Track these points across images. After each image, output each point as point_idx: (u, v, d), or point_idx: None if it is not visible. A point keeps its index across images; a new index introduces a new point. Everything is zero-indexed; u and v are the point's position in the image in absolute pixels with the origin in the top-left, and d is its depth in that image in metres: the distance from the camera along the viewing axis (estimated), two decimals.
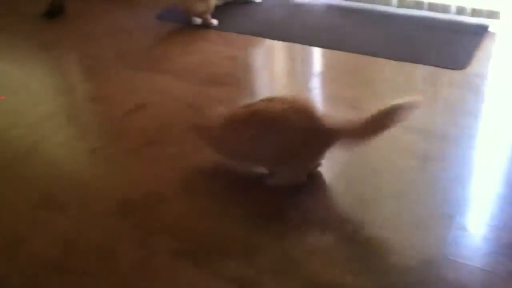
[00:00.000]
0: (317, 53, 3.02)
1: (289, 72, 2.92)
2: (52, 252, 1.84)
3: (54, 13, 3.52)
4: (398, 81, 2.68)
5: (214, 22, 3.29)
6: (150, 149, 2.32)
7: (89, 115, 2.59)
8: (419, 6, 3.34)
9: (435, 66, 2.74)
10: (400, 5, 3.40)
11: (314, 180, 2.03)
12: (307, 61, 3.00)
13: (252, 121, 1.92)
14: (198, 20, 3.33)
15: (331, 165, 2.08)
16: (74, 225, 1.95)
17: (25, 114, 2.61)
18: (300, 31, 3.22)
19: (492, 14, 3.14)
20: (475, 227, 1.78)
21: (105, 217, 1.97)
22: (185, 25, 3.35)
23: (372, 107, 1.82)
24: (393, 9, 3.42)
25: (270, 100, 1.94)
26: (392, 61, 2.83)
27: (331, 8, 3.56)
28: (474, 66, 2.73)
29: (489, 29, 3.10)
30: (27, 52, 3.15)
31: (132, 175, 2.17)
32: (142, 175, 2.17)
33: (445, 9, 3.27)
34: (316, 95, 2.65)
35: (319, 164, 2.07)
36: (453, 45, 2.94)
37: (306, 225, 1.82)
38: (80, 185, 2.14)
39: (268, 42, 3.14)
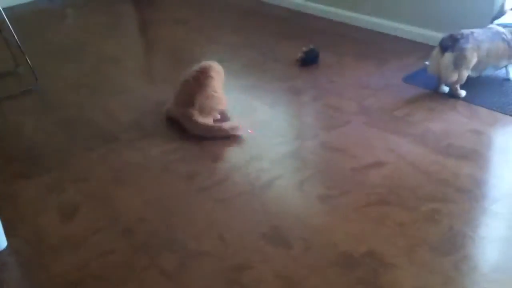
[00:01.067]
0: None
1: None
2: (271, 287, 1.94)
3: (308, 61, 3.76)
4: None
5: (462, 93, 3.19)
6: (378, 208, 2.32)
7: (324, 163, 2.69)
8: None
9: None
10: None
11: None
12: None
13: None
14: (446, 89, 3.25)
15: None
16: (297, 266, 2.03)
17: (268, 150, 2.81)
18: None
19: None
20: None
21: (326, 266, 2.01)
22: (431, 91, 3.30)
23: None
24: None
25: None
26: None
27: None
28: None
29: None
30: (278, 94, 3.41)
31: (356, 231, 2.20)
32: (365, 232, 2.19)
33: None
34: None
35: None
36: None
37: None
38: (306, 229, 2.23)
39: None
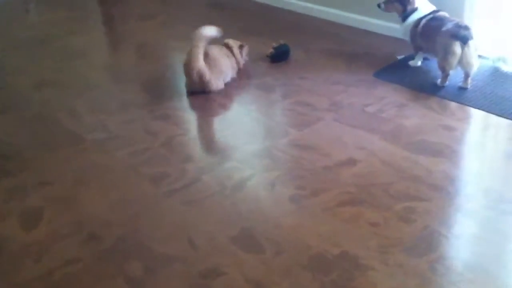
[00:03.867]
0: None
1: (510, 155, 2.66)
2: None
3: (278, 57, 3.69)
4: None
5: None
6: (351, 208, 2.27)
7: (295, 162, 2.63)
8: None
9: None
10: None
11: None
12: None
13: None
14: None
15: None
16: (269, 270, 1.97)
17: (238, 149, 2.75)
18: None
19: None
20: None
21: (299, 270, 1.96)
22: (403, 87, 3.27)
23: None
24: None
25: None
26: None
27: None
28: None
29: None
30: (248, 92, 3.34)
31: (329, 232, 2.15)
32: (338, 233, 2.14)
33: None
34: None
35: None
36: None
37: None
38: (278, 231, 2.17)
39: (496, 119, 2.89)
